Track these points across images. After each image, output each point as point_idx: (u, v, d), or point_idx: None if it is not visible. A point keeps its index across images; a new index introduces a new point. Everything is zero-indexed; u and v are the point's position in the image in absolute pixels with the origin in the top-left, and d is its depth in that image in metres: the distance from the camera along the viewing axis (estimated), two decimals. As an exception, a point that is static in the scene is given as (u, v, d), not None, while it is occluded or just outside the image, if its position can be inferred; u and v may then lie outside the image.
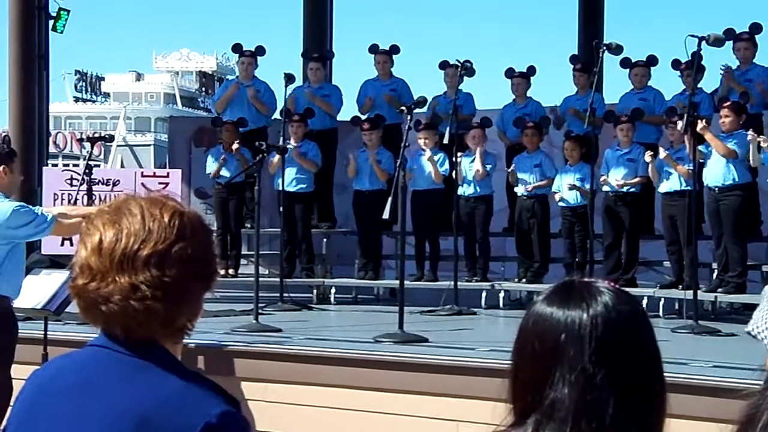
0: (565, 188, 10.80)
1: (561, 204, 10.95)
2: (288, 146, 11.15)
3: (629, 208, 10.54)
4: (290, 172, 11.47)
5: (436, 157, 11.27)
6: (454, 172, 11.02)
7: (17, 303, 6.77)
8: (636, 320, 1.86)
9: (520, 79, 12.12)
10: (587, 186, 10.41)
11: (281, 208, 11.08)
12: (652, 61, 11.51)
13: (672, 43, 11.65)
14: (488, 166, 11.27)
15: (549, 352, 1.81)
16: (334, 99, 12.63)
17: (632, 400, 1.80)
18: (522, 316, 1.94)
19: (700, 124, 9.41)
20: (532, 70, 12.23)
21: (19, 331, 6.79)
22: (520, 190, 11.18)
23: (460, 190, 11.21)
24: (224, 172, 11.86)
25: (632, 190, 10.58)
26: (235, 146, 11.80)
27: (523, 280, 11.08)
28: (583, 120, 9.93)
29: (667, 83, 11.58)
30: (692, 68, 9.74)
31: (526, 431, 1.82)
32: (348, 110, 12.87)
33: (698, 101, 10.34)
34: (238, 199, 12.03)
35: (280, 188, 11.35)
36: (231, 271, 11.79)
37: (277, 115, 12.32)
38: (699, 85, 10.70)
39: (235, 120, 12.15)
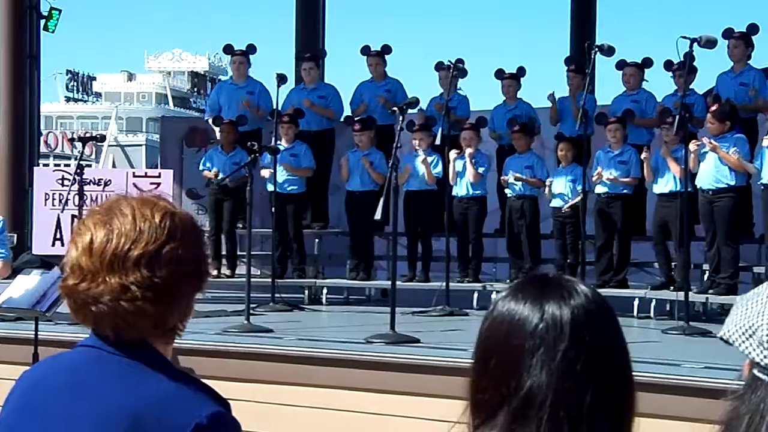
0: (558, 192, 10.82)
1: (552, 205, 10.97)
2: (279, 146, 11.13)
3: (621, 209, 10.55)
4: (282, 173, 11.44)
5: (429, 159, 11.28)
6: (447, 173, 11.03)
7: (8, 303, 6.75)
8: (611, 313, 1.89)
9: (510, 80, 12.11)
10: (579, 187, 10.43)
11: (273, 209, 11.05)
12: (646, 63, 11.49)
13: (665, 44, 11.66)
14: (481, 168, 11.27)
15: (526, 343, 1.82)
16: (333, 103, 12.58)
17: (610, 391, 1.81)
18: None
19: (709, 145, 9.52)
20: (521, 71, 12.23)
21: (10, 331, 6.78)
22: (512, 183, 11.16)
23: (454, 191, 11.22)
24: (221, 170, 11.76)
25: (624, 191, 10.59)
26: (217, 175, 11.68)
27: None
28: (578, 117, 9.95)
29: (661, 85, 11.60)
30: (684, 69, 9.76)
31: (497, 420, 1.81)
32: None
33: (692, 102, 10.37)
34: (234, 200, 11.90)
35: (272, 189, 11.32)
36: (227, 272, 11.72)
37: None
38: (692, 87, 10.73)
39: (234, 119, 12.07)
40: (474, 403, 1.85)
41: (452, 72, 11.02)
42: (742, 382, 1.80)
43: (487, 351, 1.88)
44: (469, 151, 11.19)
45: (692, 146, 9.48)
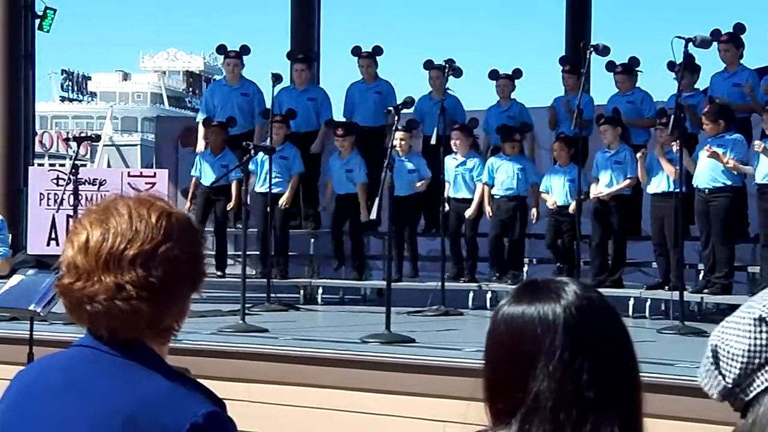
0: (556, 191, 10.82)
1: (548, 205, 10.95)
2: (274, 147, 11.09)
3: (617, 209, 10.55)
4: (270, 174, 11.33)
5: (415, 166, 11.23)
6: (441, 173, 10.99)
7: (3, 302, 6.75)
8: (606, 306, 1.89)
9: (505, 81, 12.05)
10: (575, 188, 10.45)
11: (268, 209, 11.00)
12: (632, 63, 11.42)
13: (662, 44, 11.66)
14: (486, 179, 11.22)
15: (528, 349, 1.82)
16: (323, 107, 12.50)
17: (613, 388, 1.81)
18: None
19: (707, 152, 9.56)
20: (517, 73, 12.15)
21: (5, 331, 6.77)
22: (497, 191, 11.14)
23: (451, 193, 11.19)
24: (210, 173, 11.73)
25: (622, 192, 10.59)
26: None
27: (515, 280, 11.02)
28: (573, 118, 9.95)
29: (660, 85, 11.58)
30: (681, 69, 9.76)
31: (510, 429, 1.82)
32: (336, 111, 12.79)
33: (695, 103, 10.38)
34: (225, 200, 11.85)
35: (263, 190, 11.22)
36: (218, 272, 11.68)
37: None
38: (696, 86, 10.73)
39: (224, 120, 12.02)
40: (493, 413, 1.86)
41: (447, 71, 10.96)
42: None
43: (495, 360, 1.88)
44: (460, 159, 11.15)
45: (685, 154, 9.49)
